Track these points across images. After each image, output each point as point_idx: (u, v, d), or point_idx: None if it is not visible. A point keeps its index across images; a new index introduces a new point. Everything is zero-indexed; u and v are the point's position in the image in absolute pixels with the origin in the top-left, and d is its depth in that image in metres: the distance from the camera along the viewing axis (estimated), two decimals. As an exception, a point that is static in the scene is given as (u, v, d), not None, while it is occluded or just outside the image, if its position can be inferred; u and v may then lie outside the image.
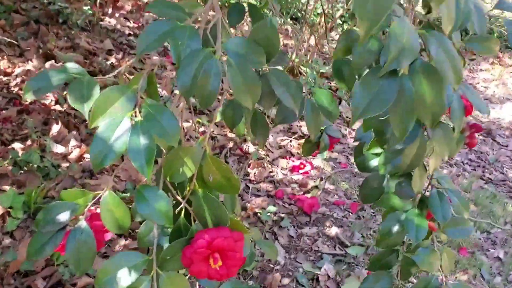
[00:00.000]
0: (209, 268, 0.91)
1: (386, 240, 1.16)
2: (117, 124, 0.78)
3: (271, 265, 2.18)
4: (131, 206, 1.27)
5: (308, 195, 2.65)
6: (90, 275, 1.80)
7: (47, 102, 2.61)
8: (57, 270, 1.77)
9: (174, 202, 0.94)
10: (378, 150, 1.17)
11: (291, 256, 2.28)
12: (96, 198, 0.98)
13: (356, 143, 1.29)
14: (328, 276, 2.18)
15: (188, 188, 0.93)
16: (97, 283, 0.86)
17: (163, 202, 0.84)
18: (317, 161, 2.98)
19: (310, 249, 2.33)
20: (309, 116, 1.02)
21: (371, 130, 1.53)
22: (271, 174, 2.79)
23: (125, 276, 0.86)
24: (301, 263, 2.23)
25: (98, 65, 3.03)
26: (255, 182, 2.70)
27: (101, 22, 3.68)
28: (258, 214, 2.43)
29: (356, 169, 3.00)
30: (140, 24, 3.86)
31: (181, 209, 0.93)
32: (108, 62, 3.15)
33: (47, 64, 2.95)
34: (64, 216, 0.91)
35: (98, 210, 0.91)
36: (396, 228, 1.15)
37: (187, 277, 0.96)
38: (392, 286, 1.31)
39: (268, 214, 2.42)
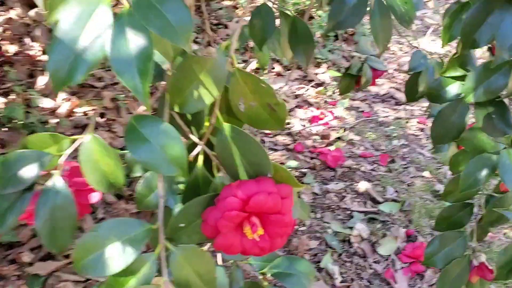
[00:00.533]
0: (244, 239, 0.63)
1: (468, 187, 0.87)
2: (89, 14, 0.48)
3: (296, 226, 1.91)
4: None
5: (331, 148, 2.36)
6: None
7: (32, 52, 2.29)
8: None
9: (187, 144, 0.65)
10: (458, 72, 0.87)
11: (317, 215, 2.01)
12: (76, 144, 0.69)
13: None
14: (361, 237, 1.91)
15: (207, 123, 0.64)
16: (76, 266, 0.58)
17: (172, 142, 0.56)
18: (338, 110, 2.68)
19: (338, 207, 2.06)
20: (376, 20, 0.71)
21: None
22: (288, 125, 2.49)
23: (117, 254, 0.59)
24: (329, 223, 1.96)
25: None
26: (270, 136, 2.40)
27: None
28: (277, 170, 2.15)
29: (381, 118, 2.70)
30: None
31: (198, 154, 0.64)
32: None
33: (32, 12, 2.62)
34: (29, 171, 0.64)
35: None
36: (483, 173, 0.86)
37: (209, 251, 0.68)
38: (467, 249, 1.03)
39: (289, 169, 2.13)
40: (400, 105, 2.86)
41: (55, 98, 2.03)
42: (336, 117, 2.61)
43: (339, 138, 2.46)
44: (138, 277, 0.60)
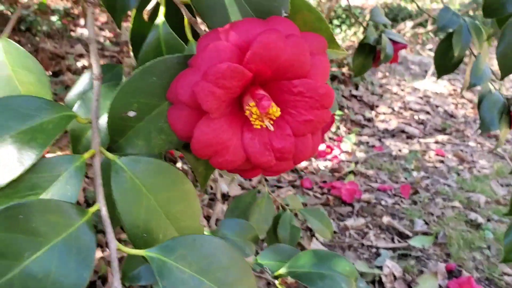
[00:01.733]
0: (246, 134, 0.35)
1: None
2: None
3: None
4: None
5: (344, 181, 2.07)
6: None
7: None
8: None
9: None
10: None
11: (336, 255, 1.68)
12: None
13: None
14: (394, 276, 1.57)
15: None
16: None
17: None
18: (345, 145, 2.41)
19: (361, 245, 1.73)
20: None
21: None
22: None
23: None
24: (352, 263, 1.63)
25: (66, 65, 2.51)
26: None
27: (72, 33, 3.18)
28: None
29: (395, 152, 2.43)
30: (116, 33, 3.35)
31: (157, 3, 0.37)
32: (79, 64, 2.63)
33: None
34: None
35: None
36: None
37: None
38: None
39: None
40: (413, 138, 2.60)
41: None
42: (344, 151, 2.34)
43: (350, 172, 2.18)
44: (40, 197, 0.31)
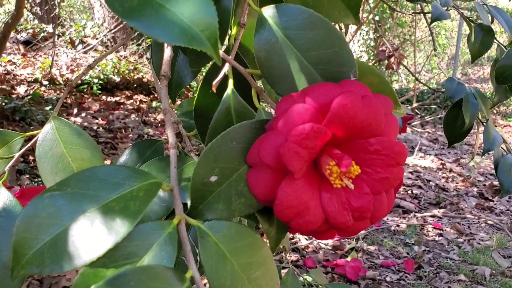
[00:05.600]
0: (325, 193, 0.36)
1: None
2: None
3: None
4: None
5: (348, 259, 2.04)
6: None
7: None
8: None
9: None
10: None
11: (348, 337, 1.61)
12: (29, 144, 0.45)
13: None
14: None
15: (234, 29, 0.40)
16: (14, 267, 0.28)
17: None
18: (344, 223, 2.40)
19: (371, 324, 1.68)
20: None
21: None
22: (293, 241, 2.19)
23: (90, 232, 0.29)
24: None
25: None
26: (274, 254, 2.08)
27: (66, 120, 3.22)
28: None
29: (393, 227, 2.43)
30: (109, 120, 3.41)
31: (225, 75, 0.39)
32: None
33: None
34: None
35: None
36: None
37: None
38: None
39: (302, 286, 1.78)
40: (409, 213, 2.61)
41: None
42: (344, 230, 2.33)
43: (352, 249, 2.15)
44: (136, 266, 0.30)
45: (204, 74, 0.42)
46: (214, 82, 0.38)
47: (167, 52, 0.39)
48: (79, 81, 3.62)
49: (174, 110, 0.60)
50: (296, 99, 0.34)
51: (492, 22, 1.03)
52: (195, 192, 0.34)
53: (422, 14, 1.37)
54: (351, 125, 0.33)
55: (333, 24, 0.39)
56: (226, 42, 0.42)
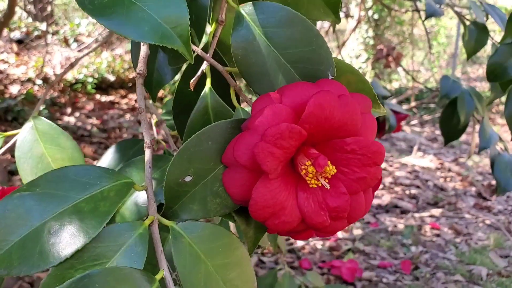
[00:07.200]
0: (302, 193, 0.35)
1: None
2: None
3: None
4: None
5: (344, 260, 2.03)
6: None
7: None
8: None
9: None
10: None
11: (344, 338, 1.61)
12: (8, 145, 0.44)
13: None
14: None
15: (212, 26, 0.40)
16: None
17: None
18: (341, 223, 2.40)
19: (367, 325, 1.67)
20: None
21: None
22: (288, 242, 2.18)
23: (60, 233, 0.28)
24: None
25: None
26: (269, 255, 2.08)
27: (59, 121, 3.22)
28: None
29: (391, 227, 2.42)
30: (103, 120, 3.40)
31: (202, 73, 0.39)
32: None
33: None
34: None
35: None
36: None
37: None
38: None
39: (299, 288, 1.77)
40: (407, 213, 2.61)
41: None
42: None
43: (349, 250, 2.15)
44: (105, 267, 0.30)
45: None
46: (191, 81, 0.38)
47: (143, 49, 0.39)
48: (73, 80, 3.61)
49: (158, 108, 0.59)
50: (273, 99, 0.34)
51: (487, 19, 1.02)
52: (170, 192, 0.33)
53: (417, 12, 1.37)
54: (327, 124, 0.33)
55: (313, 22, 0.38)
56: (204, 40, 0.42)
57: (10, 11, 1.80)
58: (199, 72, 0.38)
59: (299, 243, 2.20)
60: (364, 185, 0.35)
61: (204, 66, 0.38)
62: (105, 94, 3.84)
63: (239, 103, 0.39)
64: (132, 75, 3.89)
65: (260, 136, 0.32)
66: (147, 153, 0.35)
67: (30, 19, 4.26)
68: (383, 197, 2.80)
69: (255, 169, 0.33)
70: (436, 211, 2.67)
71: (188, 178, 0.33)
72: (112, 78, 3.85)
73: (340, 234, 2.30)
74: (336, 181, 0.34)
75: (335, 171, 0.33)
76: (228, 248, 0.34)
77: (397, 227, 2.45)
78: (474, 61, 6.09)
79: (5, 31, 3.63)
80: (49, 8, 4.32)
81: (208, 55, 0.38)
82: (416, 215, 2.60)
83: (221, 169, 0.34)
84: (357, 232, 2.36)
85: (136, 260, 0.30)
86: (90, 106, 3.63)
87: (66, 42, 3.97)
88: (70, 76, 3.62)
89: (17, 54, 3.85)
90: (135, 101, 3.82)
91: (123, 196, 0.31)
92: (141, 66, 0.37)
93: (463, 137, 4.36)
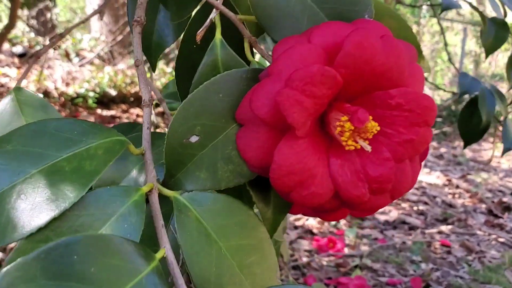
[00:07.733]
0: (334, 159, 0.28)
1: None
2: None
3: None
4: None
5: (351, 277, 1.94)
6: None
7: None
8: None
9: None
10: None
11: None
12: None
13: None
14: None
15: None
16: None
17: None
18: (347, 239, 2.32)
19: None
20: None
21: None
22: (293, 258, 2.10)
23: (31, 200, 0.20)
24: None
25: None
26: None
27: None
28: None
29: (399, 244, 2.34)
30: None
31: (211, 22, 0.33)
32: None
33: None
34: None
35: None
36: None
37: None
38: None
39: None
40: (415, 229, 2.53)
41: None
42: (347, 245, 2.24)
43: (356, 266, 2.06)
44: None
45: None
46: (198, 32, 0.32)
47: (142, -6, 0.33)
48: (74, 95, 3.57)
49: (159, 90, 0.53)
50: (298, 40, 0.27)
51: (505, 16, 0.97)
52: (171, 155, 0.27)
53: (431, 7, 1.32)
54: (368, 69, 0.27)
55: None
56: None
57: (11, 22, 1.77)
58: (208, 22, 0.32)
59: (303, 258, 2.12)
60: (411, 150, 0.28)
61: (213, 14, 0.32)
62: (106, 108, 3.79)
63: (253, 58, 0.33)
64: (134, 89, 3.84)
65: (284, 82, 0.26)
66: (146, 112, 0.29)
67: (32, 34, 4.24)
68: (390, 213, 2.72)
69: (278, 125, 0.26)
70: (446, 228, 2.59)
71: (194, 138, 0.27)
72: (113, 92, 3.81)
73: (346, 250, 2.22)
74: (377, 145, 0.28)
75: (378, 129, 0.27)
76: (245, 227, 0.27)
77: (405, 243, 2.37)
78: (481, 76, 6.05)
79: (7, 45, 3.61)
80: (50, 24, 4.31)
81: (218, 1, 0.32)
82: (425, 231, 2.52)
83: (235, 128, 0.28)
84: (364, 248, 2.28)
85: (130, 232, 0.23)
86: (91, 120, 3.58)
87: (67, 56, 3.94)
88: (71, 90, 3.59)
89: (19, 68, 3.82)
90: (137, 115, 3.77)
91: (114, 155, 0.25)
92: (139, 12, 0.32)
93: (470, 154, 4.29)
